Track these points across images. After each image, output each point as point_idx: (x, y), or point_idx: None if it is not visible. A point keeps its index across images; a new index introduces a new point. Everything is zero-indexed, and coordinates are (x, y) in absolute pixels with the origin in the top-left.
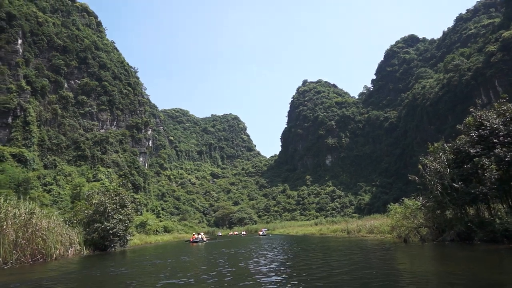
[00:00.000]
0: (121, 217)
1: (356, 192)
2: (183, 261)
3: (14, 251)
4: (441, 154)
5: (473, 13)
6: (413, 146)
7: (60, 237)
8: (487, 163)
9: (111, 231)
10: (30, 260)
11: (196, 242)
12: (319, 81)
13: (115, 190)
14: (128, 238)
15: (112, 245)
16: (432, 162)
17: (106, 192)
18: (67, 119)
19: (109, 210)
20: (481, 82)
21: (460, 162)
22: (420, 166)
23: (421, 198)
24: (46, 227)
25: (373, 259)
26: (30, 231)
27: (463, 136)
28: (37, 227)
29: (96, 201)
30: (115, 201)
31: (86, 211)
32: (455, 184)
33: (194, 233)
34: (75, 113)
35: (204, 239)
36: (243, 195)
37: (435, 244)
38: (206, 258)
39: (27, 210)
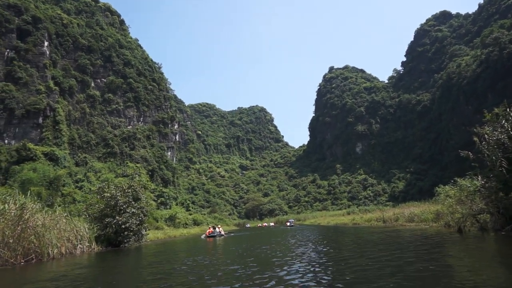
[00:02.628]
0: (134, 210)
1: (389, 180)
2: (190, 264)
3: (3, 251)
4: (503, 122)
5: None
6: (448, 129)
7: (65, 234)
8: None
9: (123, 226)
10: (22, 261)
11: (213, 236)
12: (346, 67)
13: (128, 182)
14: (143, 232)
15: (126, 241)
16: (493, 133)
17: (118, 185)
18: (95, 117)
19: (121, 204)
20: None
21: None
22: (475, 139)
23: (479, 178)
24: (41, 223)
25: (431, 258)
26: (19, 228)
27: None
28: (29, 224)
29: (108, 194)
30: (128, 194)
31: (97, 206)
32: None
33: (210, 227)
34: (103, 111)
35: (222, 233)
36: (273, 186)
37: (504, 235)
38: (223, 258)
39: (17, 205)
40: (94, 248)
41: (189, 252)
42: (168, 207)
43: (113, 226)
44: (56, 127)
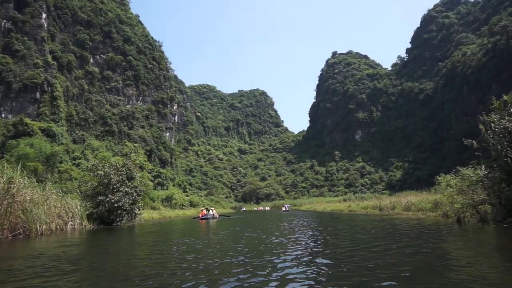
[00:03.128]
0: (127, 189)
1: (387, 168)
2: (181, 249)
3: None
4: None
5: None
6: (450, 119)
7: (55, 210)
8: None
9: (116, 205)
10: (9, 235)
11: (206, 218)
12: (349, 52)
13: (122, 160)
14: (137, 212)
15: (118, 220)
16: (500, 121)
17: (112, 163)
18: (94, 95)
19: (114, 182)
20: None
21: None
22: (481, 127)
23: (483, 168)
24: (29, 198)
25: (430, 249)
26: (6, 202)
27: None
28: (16, 198)
29: (101, 172)
30: (121, 172)
31: (90, 183)
32: None
33: (202, 208)
34: (101, 89)
35: (216, 215)
36: (271, 171)
37: (506, 227)
38: (214, 242)
39: (5, 178)
40: (85, 226)
41: (181, 234)
42: (165, 187)
43: (106, 204)
44: (54, 102)
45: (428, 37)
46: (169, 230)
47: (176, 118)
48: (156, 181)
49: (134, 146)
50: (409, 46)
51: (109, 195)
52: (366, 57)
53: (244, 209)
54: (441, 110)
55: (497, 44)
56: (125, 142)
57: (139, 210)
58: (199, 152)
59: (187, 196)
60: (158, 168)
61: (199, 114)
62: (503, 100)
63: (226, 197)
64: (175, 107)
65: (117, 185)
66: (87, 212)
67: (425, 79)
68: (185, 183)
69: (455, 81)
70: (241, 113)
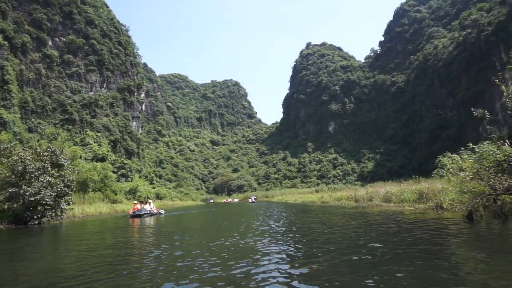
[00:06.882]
0: (50, 179)
1: (359, 160)
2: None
3: None
4: None
5: None
6: (421, 112)
7: None
8: None
9: (32, 198)
10: None
11: (140, 216)
12: (323, 44)
13: (46, 144)
14: (64, 207)
15: (36, 217)
16: None
17: (32, 147)
18: (52, 80)
19: (31, 170)
20: (502, 38)
21: None
22: (503, 88)
23: (507, 143)
24: None
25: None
26: None
27: None
28: None
29: (15, 157)
30: (44, 158)
31: (0, 172)
32: None
33: (135, 202)
34: (61, 74)
35: (154, 211)
36: (243, 162)
37: None
38: (142, 254)
39: None
40: None
41: (108, 238)
42: (129, 179)
43: (19, 198)
44: (5, 87)
45: (401, 30)
46: (102, 230)
47: (143, 107)
48: (119, 173)
49: (97, 135)
50: (382, 39)
51: (23, 186)
52: (339, 49)
53: (212, 201)
54: (412, 103)
55: (468, 37)
56: (86, 131)
57: (68, 205)
58: (169, 143)
59: (153, 188)
60: (123, 159)
61: (170, 104)
62: None
63: (197, 189)
64: (143, 95)
65: (36, 173)
66: None
67: (397, 72)
68: (152, 175)
69: (426, 74)
70: (214, 104)
